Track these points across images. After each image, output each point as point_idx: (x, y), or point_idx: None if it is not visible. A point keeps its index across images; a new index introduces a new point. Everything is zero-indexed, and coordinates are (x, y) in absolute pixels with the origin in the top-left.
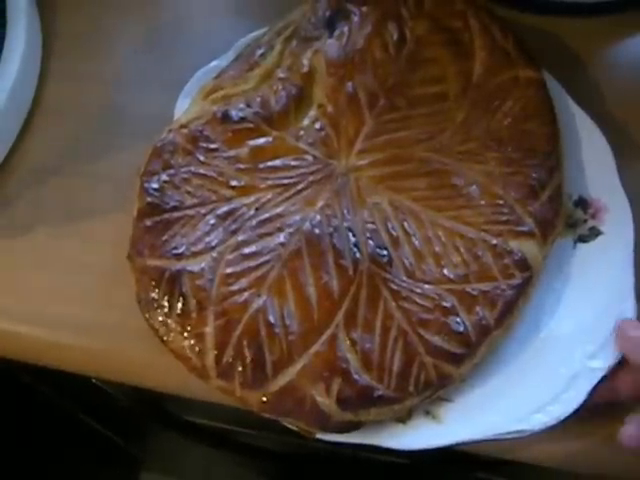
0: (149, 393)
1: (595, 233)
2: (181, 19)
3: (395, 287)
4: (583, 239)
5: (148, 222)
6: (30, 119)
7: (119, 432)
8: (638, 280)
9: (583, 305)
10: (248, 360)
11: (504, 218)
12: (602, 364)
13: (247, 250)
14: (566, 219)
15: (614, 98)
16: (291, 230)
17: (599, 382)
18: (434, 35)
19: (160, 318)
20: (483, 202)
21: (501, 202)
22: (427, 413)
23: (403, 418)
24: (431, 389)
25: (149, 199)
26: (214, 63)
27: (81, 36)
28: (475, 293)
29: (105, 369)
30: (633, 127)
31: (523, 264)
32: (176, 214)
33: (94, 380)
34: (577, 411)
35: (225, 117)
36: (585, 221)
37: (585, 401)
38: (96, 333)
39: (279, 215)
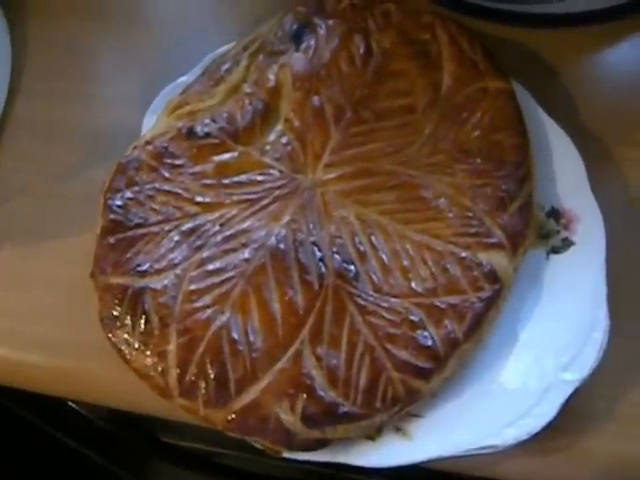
0: (127, 415)
1: (567, 244)
2: (151, 35)
3: (362, 302)
4: (556, 250)
5: (111, 240)
6: None
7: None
8: (611, 289)
9: (556, 316)
10: (211, 378)
11: (473, 230)
12: (575, 376)
13: (211, 266)
14: (539, 230)
15: (586, 109)
16: (256, 246)
17: (572, 394)
18: (401, 47)
19: (122, 337)
20: (451, 214)
21: (470, 214)
22: (397, 430)
23: (372, 435)
24: (399, 405)
25: (112, 216)
26: (181, 79)
27: (51, 53)
28: (443, 306)
29: (71, 389)
30: (605, 137)
31: (492, 276)
32: (140, 231)
33: (72, 404)
34: (550, 425)
35: (190, 133)
36: (558, 232)
37: (558, 414)
38: (62, 352)
39: (244, 231)
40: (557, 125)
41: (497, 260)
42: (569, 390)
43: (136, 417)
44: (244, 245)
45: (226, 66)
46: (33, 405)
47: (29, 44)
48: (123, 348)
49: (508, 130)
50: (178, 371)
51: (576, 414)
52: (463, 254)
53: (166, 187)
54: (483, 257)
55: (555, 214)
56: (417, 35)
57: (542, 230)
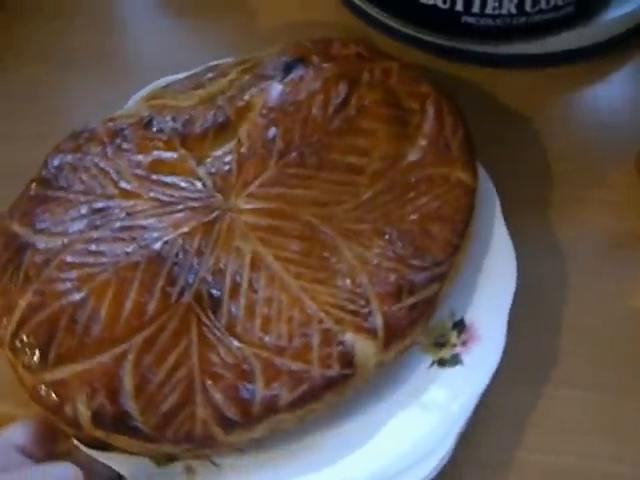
0: None
1: (455, 361)
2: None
3: (207, 332)
4: (442, 363)
5: (32, 192)
6: None
7: None
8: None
9: (403, 426)
10: (37, 343)
11: (353, 307)
12: None
13: (94, 247)
14: (437, 338)
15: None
16: (142, 244)
17: None
18: (380, 108)
19: None
20: (341, 284)
21: (359, 291)
22: (188, 469)
23: (159, 460)
24: (192, 444)
25: (44, 173)
26: (179, 76)
27: (17, 95)
28: (283, 368)
29: None
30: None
31: (347, 360)
32: (58, 194)
33: None
34: None
35: (148, 124)
36: (454, 346)
37: None
38: None
39: (142, 227)
40: (508, 235)
41: (362, 346)
42: None
43: None
44: (133, 239)
45: (211, 75)
46: None
47: None
48: None
49: (448, 225)
50: (15, 326)
51: None
52: (329, 325)
53: (102, 164)
54: (349, 337)
55: (460, 327)
56: (405, 101)
57: (441, 338)
